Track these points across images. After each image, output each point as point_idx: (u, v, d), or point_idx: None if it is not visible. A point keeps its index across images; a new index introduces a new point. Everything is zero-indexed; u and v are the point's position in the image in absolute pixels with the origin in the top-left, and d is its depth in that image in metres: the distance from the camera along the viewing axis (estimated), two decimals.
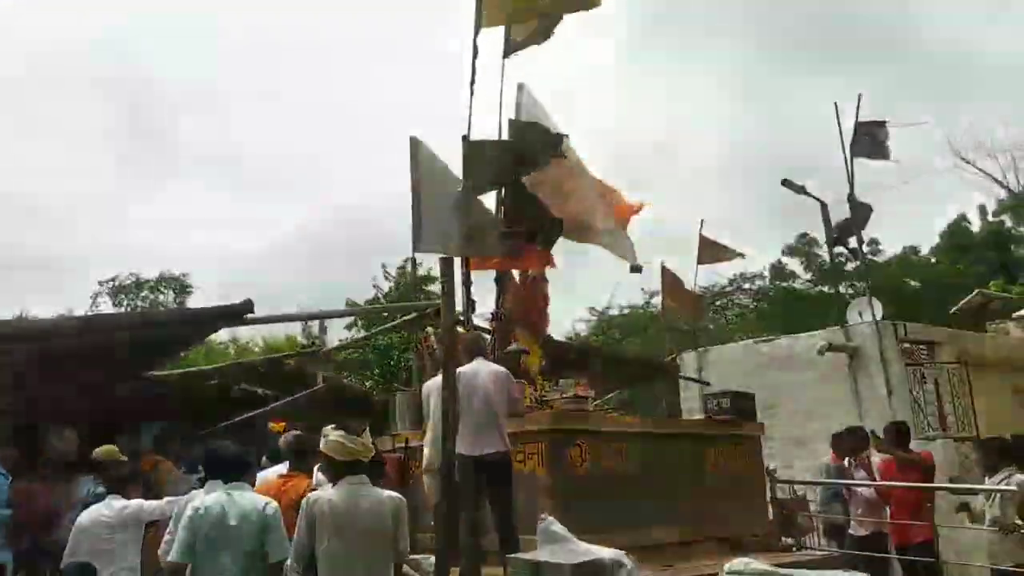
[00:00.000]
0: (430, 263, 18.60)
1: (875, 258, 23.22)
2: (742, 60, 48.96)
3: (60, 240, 45.12)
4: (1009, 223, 25.04)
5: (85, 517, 4.95)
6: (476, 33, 7.06)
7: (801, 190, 11.62)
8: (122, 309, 25.24)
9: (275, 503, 3.98)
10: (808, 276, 25.12)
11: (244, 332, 24.46)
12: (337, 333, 19.11)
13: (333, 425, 3.61)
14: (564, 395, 6.68)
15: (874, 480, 6.80)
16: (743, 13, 49.21)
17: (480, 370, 5.53)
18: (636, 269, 8.00)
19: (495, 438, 5.28)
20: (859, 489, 6.88)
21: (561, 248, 7.85)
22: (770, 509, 7.29)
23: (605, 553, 3.80)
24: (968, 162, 19.93)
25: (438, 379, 6.19)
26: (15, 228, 41.44)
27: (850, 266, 20.06)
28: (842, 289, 22.51)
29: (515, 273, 8.01)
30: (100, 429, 6.93)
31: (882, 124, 11.20)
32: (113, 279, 26.79)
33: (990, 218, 25.70)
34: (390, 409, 7.80)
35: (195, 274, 27.73)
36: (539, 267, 7.65)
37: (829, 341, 10.79)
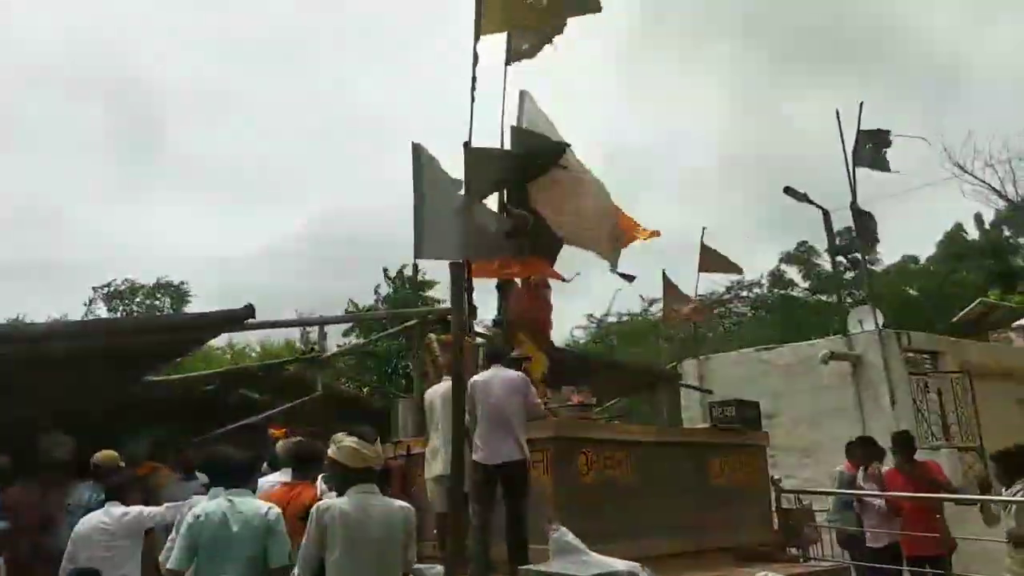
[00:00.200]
0: (430, 269, 18.59)
1: (873, 267, 23.22)
2: (739, 68, 49.14)
3: (54, 245, 44.95)
4: (1007, 232, 25.09)
5: (83, 524, 4.87)
6: (476, 40, 7.01)
7: (803, 198, 11.59)
8: (117, 315, 25.07)
9: (277, 509, 3.93)
10: (807, 284, 25.10)
11: (240, 337, 24.35)
12: (336, 339, 19.02)
13: (345, 432, 3.53)
14: (568, 403, 6.61)
15: (884, 491, 6.72)
16: (738, 21, 49.42)
17: (494, 378, 5.46)
18: (629, 279, 7.91)
19: (511, 446, 5.21)
20: (872, 500, 6.80)
21: (560, 254, 7.82)
22: (775, 519, 7.20)
23: (620, 565, 3.72)
24: (967, 172, 19.96)
25: (441, 386, 6.13)
26: (8, 232, 41.28)
27: (849, 274, 20.06)
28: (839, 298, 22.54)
29: (517, 279, 7.93)
30: (96, 434, 6.84)
31: (885, 133, 11.17)
32: (108, 285, 26.65)
33: (987, 226, 25.74)
34: (391, 416, 7.72)
35: (191, 280, 27.63)
36: (543, 275, 7.57)
37: (832, 350, 10.73)
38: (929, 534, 6.07)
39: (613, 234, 7.62)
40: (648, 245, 7.72)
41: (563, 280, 7.67)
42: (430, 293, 18.83)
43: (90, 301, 26.53)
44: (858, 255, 15.77)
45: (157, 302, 26.68)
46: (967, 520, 6.81)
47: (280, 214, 52.15)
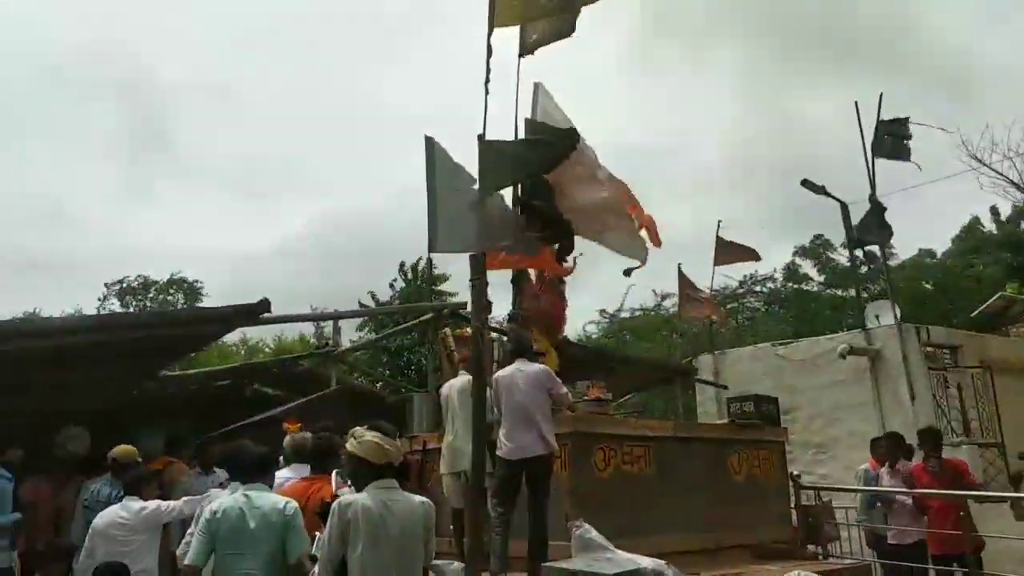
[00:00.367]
0: (442, 264, 18.56)
1: (888, 262, 22.93)
2: (748, 66, 48.78)
3: (67, 242, 45.27)
4: None
5: (101, 519, 4.87)
6: (490, 32, 6.93)
7: (821, 191, 11.46)
8: (130, 311, 25.23)
9: (294, 503, 3.91)
10: (821, 278, 24.86)
11: (254, 334, 24.46)
12: (349, 334, 19.03)
13: (366, 426, 3.48)
14: (584, 398, 6.55)
15: (911, 488, 6.59)
16: (746, 19, 49.00)
17: (517, 372, 5.43)
18: (627, 273, 7.84)
19: (535, 440, 5.16)
20: (898, 497, 6.68)
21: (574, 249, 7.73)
22: (795, 516, 7.11)
23: (645, 562, 3.65)
24: (984, 164, 19.65)
25: (457, 380, 6.08)
26: (23, 229, 41.59)
27: (864, 269, 19.83)
28: (854, 292, 22.30)
29: (532, 274, 7.87)
30: (111, 429, 6.84)
31: (904, 123, 11.02)
32: (121, 281, 26.82)
33: (1003, 219, 25.39)
34: (406, 411, 7.68)
35: (204, 277, 27.81)
36: (555, 271, 7.49)
37: (850, 344, 10.60)
38: (953, 532, 5.95)
39: (630, 228, 7.53)
40: (662, 240, 7.62)
41: (570, 272, 7.56)
42: (443, 287, 18.83)
43: (104, 297, 26.73)
44: (873, 249, 15.56)
45: (170, 298, 26.84)
46: (991, 519, 6.70)
47: (293, 210, 52.35)
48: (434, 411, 6.90)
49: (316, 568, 3.47)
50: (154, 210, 48.15)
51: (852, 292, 22.63)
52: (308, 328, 23.70)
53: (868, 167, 11.16)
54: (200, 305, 24.92)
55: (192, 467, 6.50)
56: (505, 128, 7.05)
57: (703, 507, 6.36)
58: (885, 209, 11.43)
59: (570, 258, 7.51)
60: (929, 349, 10.65)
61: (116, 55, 53.16)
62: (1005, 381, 10.72)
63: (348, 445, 3.49)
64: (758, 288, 26.91)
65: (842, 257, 23.94)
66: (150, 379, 7.95)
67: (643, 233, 7.68)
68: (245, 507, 3.79)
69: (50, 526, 6.37)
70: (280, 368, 10.02)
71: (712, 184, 43.29)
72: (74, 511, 6.13)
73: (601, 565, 3.57)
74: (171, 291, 27.15)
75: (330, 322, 12.42)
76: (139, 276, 27.08)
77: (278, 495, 4.03)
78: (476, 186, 6.00)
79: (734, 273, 22.68)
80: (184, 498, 5.18)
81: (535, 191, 7.33)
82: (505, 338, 7.67)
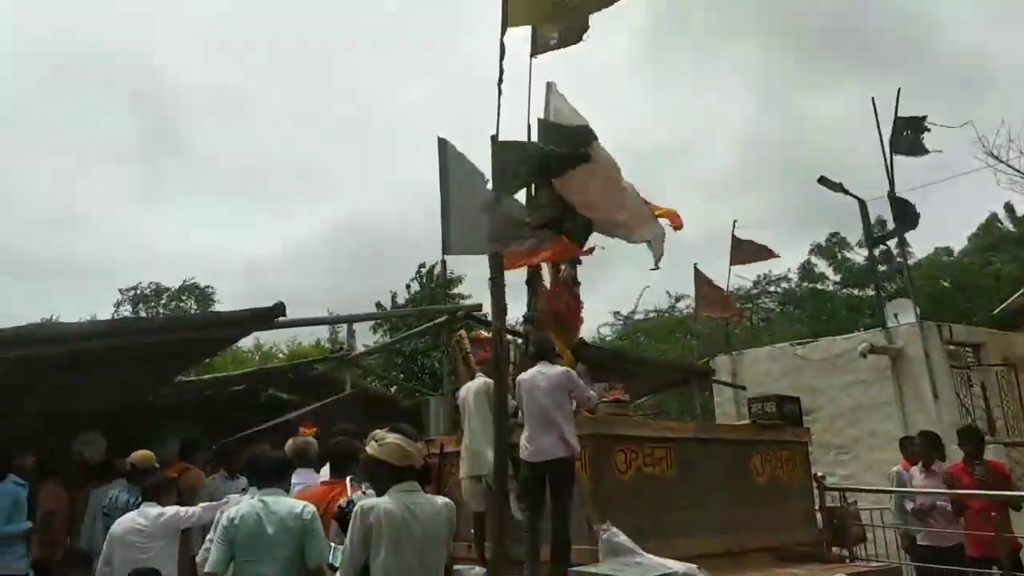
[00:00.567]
0: (456, 267, 18.53)
1: (903, 260, 22.65)
2: (760, 65, 48.56)
3: (81, 247, 45.62)
4: None
5: (119, 525, 4.82)
6: (503, 32, 6.88)
7: (839, 188, 11.33)
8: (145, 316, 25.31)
9: (312, 507, 3.85)
10: (837, 278, 24.59)
11: (268, 339, 24.51)
12: (363, 338, 19.01)
13: (387, 428, 3.41)
14: (603, 399, 6.46)
15: (948, 489, 6.38)
16: (758, 18, 48.81)
17: (539, 375, 5.38)
18: (656, 264, 7.73)
19: (555, 443, 5.11)
20: (935, 498, 6.49)
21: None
22: (819, 518, 6.98)
23: (677, 567, 3.56)
24: (1001, 161, 19.38)
25: (473, 383, 6.02)
26: (37, 234, 41.94)
27: (881, 267, 19.59)
28: (871, 291, 22.02)
29: (546, 275, 7.79)
30: (126, 434, 6.82)
31: (921, 120, 10.88)
32: (135, 287, 26.94)
33: (1020, 215, 25.05)
34: (421, 414, 7.62)
35: (216, 283, 27.90)
36: (572, 256, 7.38)
37: (871, 343, 10.45)
38: (988, 534, 5.78)
39: (644, 219, 7.44)
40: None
41: (589, 253, 7.46)
42: (457, 290, 18.79)
43: (118, 304, 26.85)
44: (890, 247, 15.36)
45: (183, 304, 26.94)
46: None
47: (305, 215, 52.50)
48: (450, 414, 6.84)
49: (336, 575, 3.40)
50: (168, 215, 48.47)
51: (868, 292, 22.39)
52: (323, 333, 23.73)
53: (886, 163, 11.02)
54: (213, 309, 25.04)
55: (216, 472, 6.45)
56: (518, 129, 7.01)
57: (726, 509, 6.26)
58: (913, 207, 11.28)
59: (588, 243, 7.42)
60: (952, 347, 10.49)
61: (130, 61, 53.61)
62: None
63: (368, 448, 3.41)
64: (772, 288, 26.67)
65: (858, 256, 23.69)
66: (165, 384, 7.94)
67: (664, 222, 7.59)
68: (262, 512, 3.74)
69: (65, 532, 6.36)
70: (295, 372, 10.01)
71: (725, 184, 43.09)
72: (93, 516, 6.11)
73: (631, 570, 3.47)
74: (183, 297, 27.26)
75: (344, 328, 12.38)
76: (152, 283, 27.23)
77: (295, 499, 3.97)
78: (489, 187, 5.95)
79: (748, 273, 22.49)
80: (202, 504, 5.13)
81: (550, 191, 7.27)
82: (520, 340, 7.61)
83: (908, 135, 10.75)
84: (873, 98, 11.37)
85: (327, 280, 41.54)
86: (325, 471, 4.65)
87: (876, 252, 16.33)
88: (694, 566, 3.64)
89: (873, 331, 11.10)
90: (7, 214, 40.32)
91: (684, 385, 12.46)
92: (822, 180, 11.39)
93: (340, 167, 55.32)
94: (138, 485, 5.42)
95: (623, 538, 3.85)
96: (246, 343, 23.26)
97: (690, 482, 6.12)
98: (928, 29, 41.35)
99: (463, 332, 7.61)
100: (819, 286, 24.89)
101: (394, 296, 20.01)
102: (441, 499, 3.50)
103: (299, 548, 3.71)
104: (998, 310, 13.24)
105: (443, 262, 14.85)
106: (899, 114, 10.97)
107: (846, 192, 11.40)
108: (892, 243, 13.86)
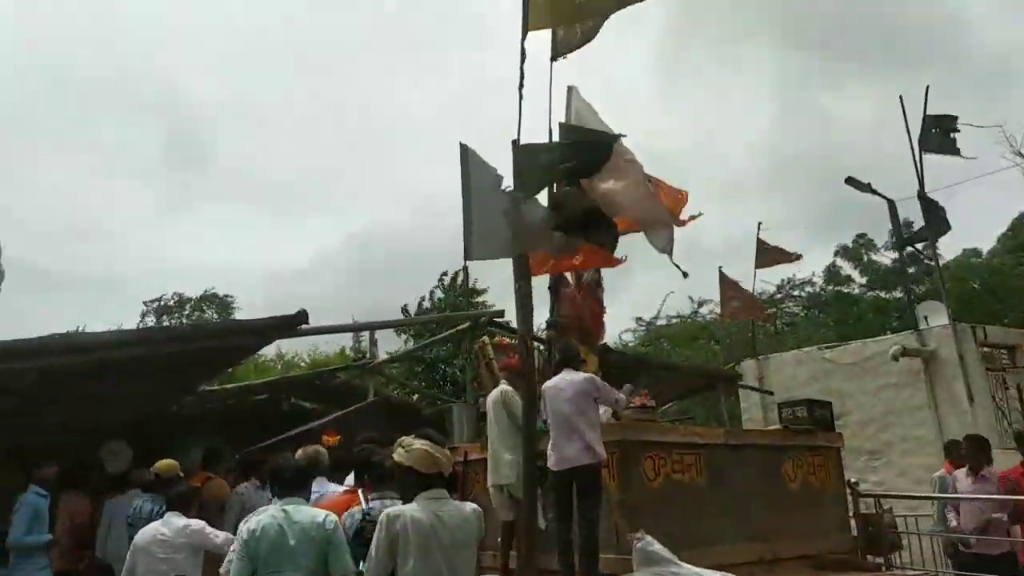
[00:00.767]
0: (480, 277, 18.49)
1: (931, 262, 22.23)
2: (780, 66, 48.16)
3: (106, 260, 46.21)
4: None
5: (142, 536, 4.78)
6: (523, 37, 6.82)
7: (867, 188, 11.12)
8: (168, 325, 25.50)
9: (334, 516, 3.79)
10: (863, 280, 24.20)
11: (289, 348, 24.58)
12: (387, 345, 18.98)
13: (414, 435, 3.33)
14: (630, 404, 6.34)
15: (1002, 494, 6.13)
16: (778, 18, 48.45)
17: (562, 382, 5.31)
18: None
19: (580, 450, 5.03)
20: (980, 504, 6.26)
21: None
22: (853, 525, 6.80)
23: None
24: None
25: (492, 392, 5.97)
26: (63, 247, 42.55)
27: (910, 269, 19.24)
28: (898, 293, 21.62)
29: (570, 280, 7.69)
30: (150, 443, 6.81)
31: (952, 119, 10.66)
32: (158, 299, 27.15)
33: None
34: (444, 421, 7.56)
35: (237, 293, 28.05)
36: (602, 265, 7.28)
37: (903, 346, 10.21)
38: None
39: (663, 218, 7.32)
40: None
41: (620, 262, 7.34)
42: (480, 299, 18.72)
43: (142, 315, 27.07)
44: (918, 249, 15.05)
45: (204, 314, 27.09)
46: None
47: (326, 226, 52.85)
48: (474, 421, 6.76)
49: None
50: (190, 227, 49.00)
51: (896, 294, 22.00)
52: (346, 342, 23.73)
53: (915, 162, 10.80)
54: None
55: (246, 480, 6.37)
56: (539, 133, 6.94)
57: (758, 516, 6.11)
58: (942, 208, 11.04)
59: (618, 252, 7.32)
60: (986, 349, 10.22)
61: (153, 76, 54.40)
62: None
63: (395, 455, 3.34)
64: (796, 292, 26.32)
65: (885, 258, 23.32)
66: (189, 394, 7.93)
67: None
68: (284, 523, 3.68)
69: (87, 543, 6.33)
70: (318, 381, 9.98)
71: (747, 187, 42.72)
72: (117, 526, 6.09)
73: None
74: (204, 307, 27.43)
75: (366, 337, 12.36)
76: (175, 294, 27.45)
77: (317, 508, 3.90)
78: (511, 191, 5.87)
79: (771, 277, 22.22)
80: (227, 534, 4.94)
81: (572, 193, 7.18)
82: (542, 346, 7.52)
83: (937, 133, 10.53)
84: (901, 96, 11.18)
85: (348, 291, 41.67)
86: (349, 479, 4.59)
87: (912, 250, 16.09)
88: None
89: (904, 333, 10.87)
90: (30, 227, 40.95)
91: (710, 390, 12.28)
92: (850, 180, 11.19)
93: (361, 177, 55.63)
94: (162, 494, 5.37)
95: (658, 547, 3.72)
96: (268, 352, 23.31)
97: (721, 489, 5.97)
98: (953, 28, 40.79)
99: (486, 338, 7.55)
100: (844, 289, 24.51)
101: (421, 300, 20.00)
102: (470, 506, 3.42)
103: (322, 558, 3.64)
104: None
105: (465, 268, 14.78)
106: (928, 112, 10.78)
107: (875, 192, 11.19)
108: (920, 244, 13.57)
